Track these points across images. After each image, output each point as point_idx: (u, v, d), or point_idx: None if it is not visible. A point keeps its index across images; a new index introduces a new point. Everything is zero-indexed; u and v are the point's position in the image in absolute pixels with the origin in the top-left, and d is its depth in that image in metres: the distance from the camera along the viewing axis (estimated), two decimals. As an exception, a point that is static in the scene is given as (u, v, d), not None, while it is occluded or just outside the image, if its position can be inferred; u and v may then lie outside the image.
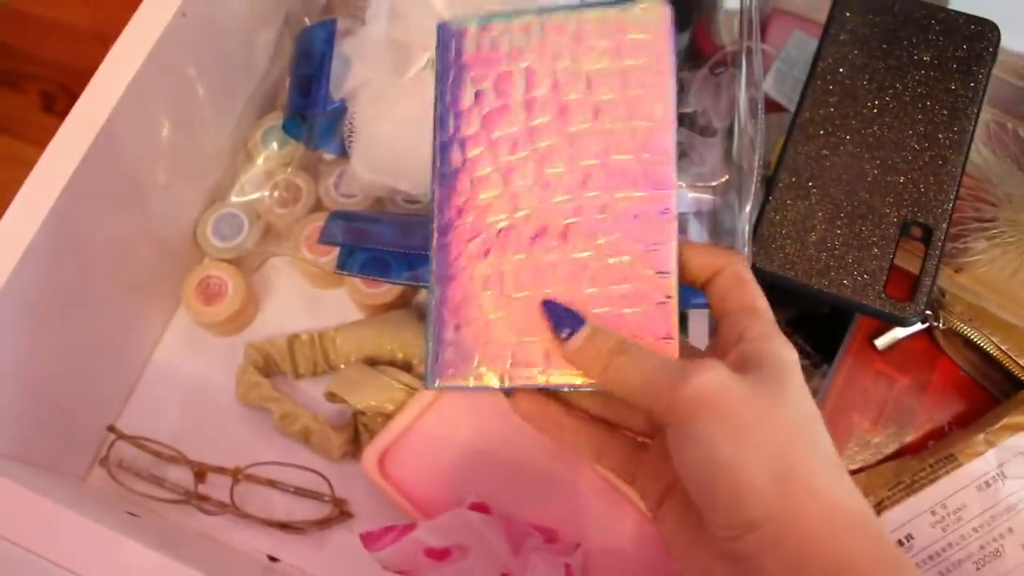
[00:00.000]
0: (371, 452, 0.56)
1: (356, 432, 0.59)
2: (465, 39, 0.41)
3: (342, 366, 0.60)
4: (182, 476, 0.60)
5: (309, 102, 0.60)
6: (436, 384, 0.39)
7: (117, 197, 0.56)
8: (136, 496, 0.59)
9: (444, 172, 0.40)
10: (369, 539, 0.52)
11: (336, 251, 0.60)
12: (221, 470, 0.59)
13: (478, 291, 0.39)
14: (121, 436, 0.60)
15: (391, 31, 0.56)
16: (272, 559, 0.59)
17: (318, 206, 0.64)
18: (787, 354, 0.35)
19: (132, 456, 0.61)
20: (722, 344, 0.36)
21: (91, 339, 0.58)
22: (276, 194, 0.63)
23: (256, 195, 0.63)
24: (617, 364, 0.35)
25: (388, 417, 0.57)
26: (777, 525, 0.32)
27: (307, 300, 0.65)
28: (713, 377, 0.33)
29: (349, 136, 0.57)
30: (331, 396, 0.59)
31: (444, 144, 0.40)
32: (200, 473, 0.59)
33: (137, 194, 0.58)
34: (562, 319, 0.37)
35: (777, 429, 0.33)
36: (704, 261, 0.37)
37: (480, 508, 0.55)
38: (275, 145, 0.65)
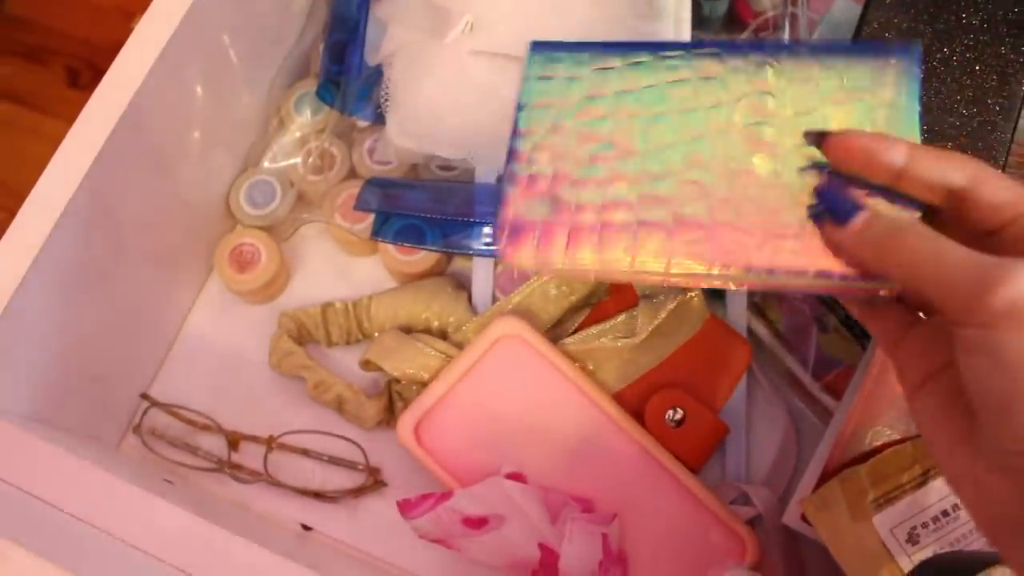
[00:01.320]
0: (406, 420, 0.55)
1: (390, 400, 0.58)
2: None
3: (376, 334, 0.60)
4: (215, 444, 0.60)
5: (343, 68, 0.59)
6: None
7: (148, 167, 0.55)
8: (169, 464, 0.59)
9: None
10: (406, 507, 0.52)
11: (370, 218, 0.59)
12: (254, 439, 0.59)
13: None
14: (155, 404, 0.60)
15: None
16: (305, 527, 0.58)
17: (352, 174, 0.63)
18: None
19: (165, 424, 0.60)
20: None
21: (124, 307, 0.58)
22: (309, 161, 0.62)
23: (289, 162, 0.63)
24: (907, 246, 0.32)
25: (423, 385, 0.56)
26: None
27: (340, 268, 0.64)
28: None
29: (385, 101, 0.57)
30: (366, 364, 0.58)
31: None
32: (233, 441, 0.59)
33: (168, 163, 0.57)
34: (839, 203, 0.35)
35: None
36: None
37: (516, 478, 0.54)
38: (308, 112, 0.64)
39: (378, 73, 0.57)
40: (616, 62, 0.42)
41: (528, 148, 0.41)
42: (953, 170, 0.33)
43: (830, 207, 0.35)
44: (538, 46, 0.43)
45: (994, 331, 0.29)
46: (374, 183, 0.57)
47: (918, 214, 0.35)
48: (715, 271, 0.37)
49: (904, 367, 0.36)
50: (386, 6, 0.57)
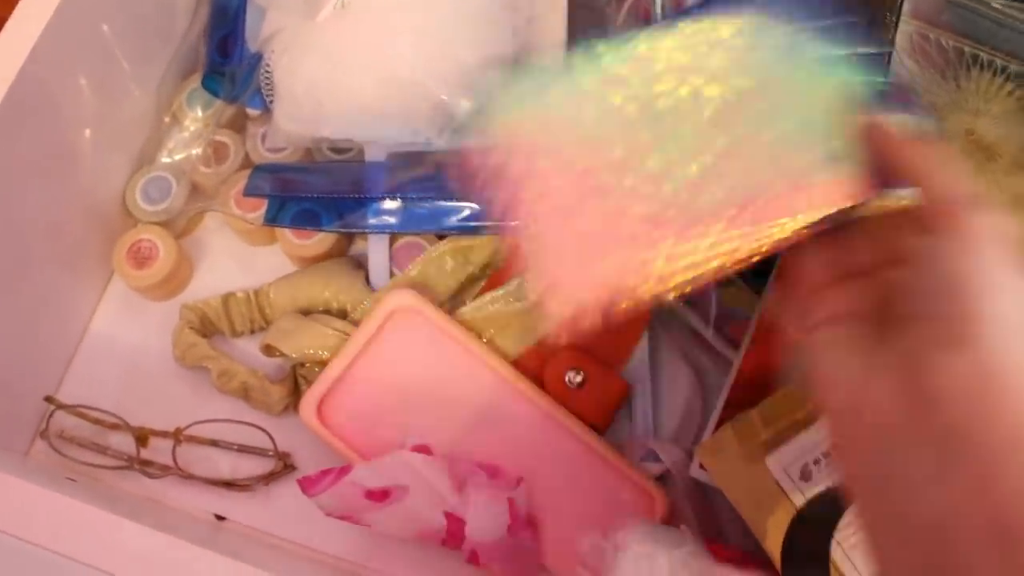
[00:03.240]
0: (308, 400, 0.55)
1: (296, 385, 0.58)
2: None
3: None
4: (125, 443, 0.60)
5: (228, 60, 0.60)
6: None
7: (40, 167, 0.55)
8: (79, 465, 0.59)
9: None
10: (307, 484, 0.52)
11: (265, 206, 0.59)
12: (162, 433, 0.59)
13: None
14: (60, 406, 0.59)
15: None
16: (219, 518, 0.58)
17: (247, 163, 0.63)
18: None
19: (74, 426, 0.60)
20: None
21: (26, 312, 0.58)
22: (203, 154, 0.62)
23: (183, 156, 0.63)
24: (918, 152, 0.36)
25: (325, 365, 0.56)
26: (989, 348, 0.31)
27: (242, 259, 0.64)
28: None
29: (267, 87, 0.57)
30: (267, 349, 0.58)
31: None
32: (141, 438, 0.59)
33: (60, 163, 0.57)
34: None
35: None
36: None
37: (422, 450, 0.54)
38: (200, 107, 0.64)
39: (260, 59, 0.57)
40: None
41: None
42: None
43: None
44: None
45: (968, 235, 0.33)
46: (263, 169, 0.57)
47: None
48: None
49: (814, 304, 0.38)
50: None
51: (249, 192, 0.56)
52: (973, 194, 0.34)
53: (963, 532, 0.30)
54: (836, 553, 0.46)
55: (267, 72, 0.57)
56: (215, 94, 0.61)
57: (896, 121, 0.38)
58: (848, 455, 0.35)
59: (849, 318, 0.36)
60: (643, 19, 0.55)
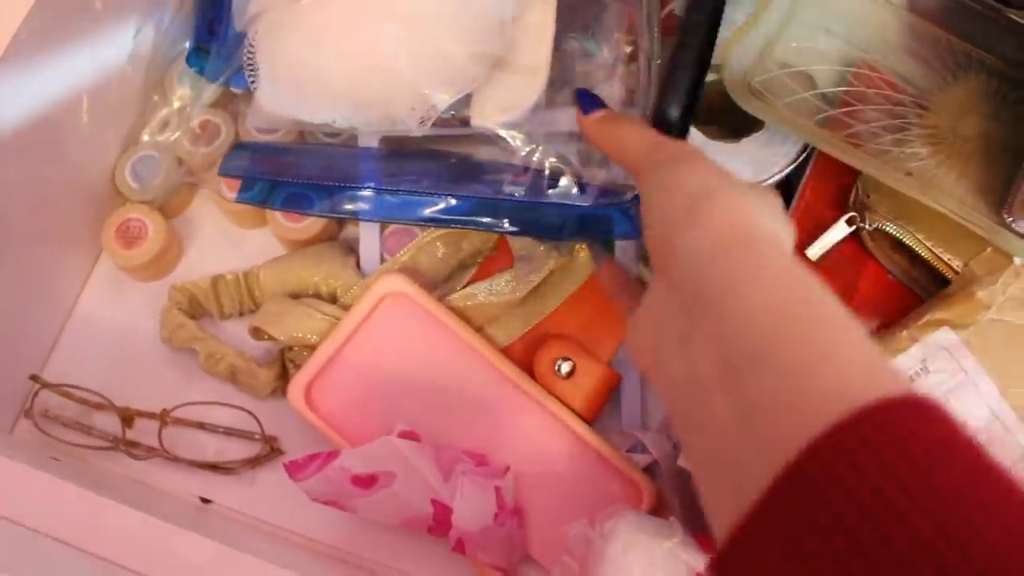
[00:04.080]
0: (296, 384, 0.55)
1: (284, 368, 0.58)
2: None
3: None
4: (110, 423, 0.59)
5: (214, 37, 0.59)
6: None
7: (28, 146, 0.55)
8: (64, 445, 0.58)
9: None
10: (293, 468, 0.52)
11: (255, 187, 0.59)
12: (149, 415, 0.58)
13: None
14: (45, 385, 0.59)
15: None
16: (205, 500, 0.58)
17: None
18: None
19: (59, 405, 0.59)
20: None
21: (12, 290, 0.57)
22: (193, 133, 0.61)
23: (173, 135, 0.62)
24: (619, 129, 0.44)
25: (314, 349, 0.56)
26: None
27: (232, 241, 0.63)
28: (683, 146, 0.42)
29: (250, 67, 0.56)
30: (256, 332, 0.58)
31: None
32: (127, 418, 0.58)
33: (50, 141, 0.56)
34: (590, 102, 0.47)
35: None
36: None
37: (410, 436, 0.54)
38: (190, 85, 0.63)
39: (244, 38, 0.56)
40: None
41: None
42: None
43: (583, 102, 0.47)
44: None
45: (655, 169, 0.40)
46: (244, 147, 0.56)
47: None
48: None
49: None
50: None
51: (224, 172, 0.56)
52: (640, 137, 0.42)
53: (705, 379, 0.33)
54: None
55: (250, 52, 0.55)
56: (200, 71, 0.60)
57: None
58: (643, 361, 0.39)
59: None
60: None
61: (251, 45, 0.54)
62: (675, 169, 0.39)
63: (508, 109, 0.52)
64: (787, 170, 0.55)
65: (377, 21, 0.51)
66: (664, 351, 0.36)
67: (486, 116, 0.52)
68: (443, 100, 0.51)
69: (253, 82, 0.55)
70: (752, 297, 0.32)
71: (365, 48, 0.51)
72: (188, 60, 0.60)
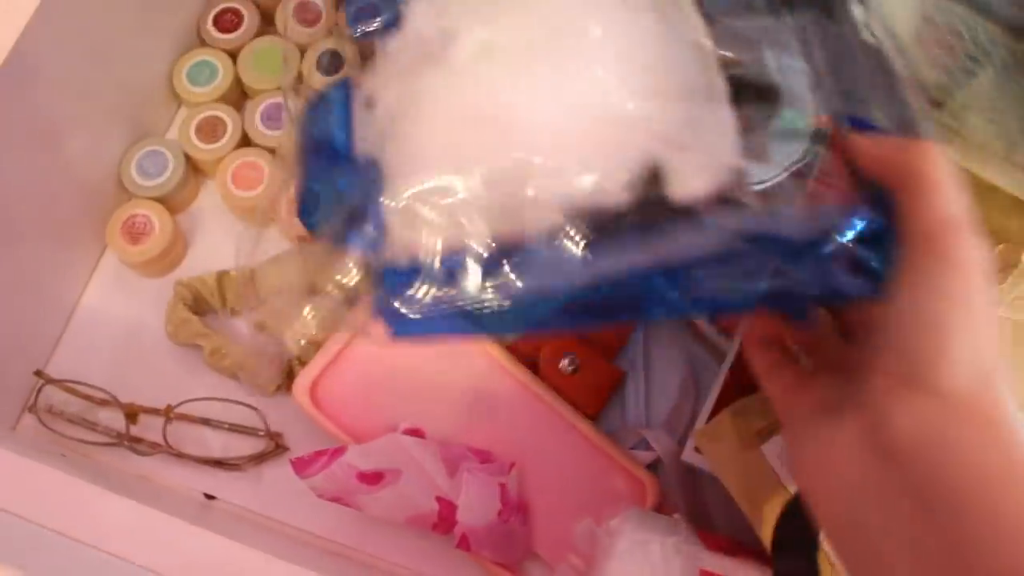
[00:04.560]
0: (302, 381, 0.55)
1: (289, 365, 0.58)
2: None
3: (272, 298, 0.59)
4: (114, 419, 0.59)
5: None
6: None
7: (33, 139, 0.55)
8: (68, 441, 0.58)
9: None
10: (300, 465, 0.52)
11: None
12: (153, 411, 0.58)
13: None
14: (49, 380, 0.59)
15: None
16: (209, 497, 0.58)
17: (244, 141, 0.63)
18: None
19: (63, 401, 0.59)
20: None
21: (16, 285, 0.57)
22: (201, 129, 0.62)
23: (180, 131, 0.62)
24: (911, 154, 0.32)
25: (319, 346, 0.56)
26: (950, 406, 0.29)
27: (238, 238, 0.63)
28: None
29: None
30: (261, 328, 0.58)
31: None
32: (131, 414, 0.58)
33: (54, 135, 0.56)
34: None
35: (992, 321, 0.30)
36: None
37: (415, 433, 0.54)
38: (199, 81, 0.63)
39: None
40: None
41: None
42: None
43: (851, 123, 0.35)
44: None
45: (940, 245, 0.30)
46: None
47: None
48: None
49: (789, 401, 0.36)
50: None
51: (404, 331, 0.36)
52: (968, 217, 0.30)
53: None
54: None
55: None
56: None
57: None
58: (819, 506, 0.33)
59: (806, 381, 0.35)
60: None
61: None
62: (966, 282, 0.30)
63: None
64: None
65: (589, 63, 0.37)
66: (869, 528, 0.31)
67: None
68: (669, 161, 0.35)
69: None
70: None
71: (578, 88, 0.37)
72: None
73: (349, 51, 0.62)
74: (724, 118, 0.35)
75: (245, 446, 0.58)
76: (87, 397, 0.59)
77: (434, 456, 0.53)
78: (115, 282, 0.63)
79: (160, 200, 0.61)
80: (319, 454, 0.52)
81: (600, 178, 0.34)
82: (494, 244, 0.34)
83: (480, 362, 0.55)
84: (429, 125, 0.36)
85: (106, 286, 0.63)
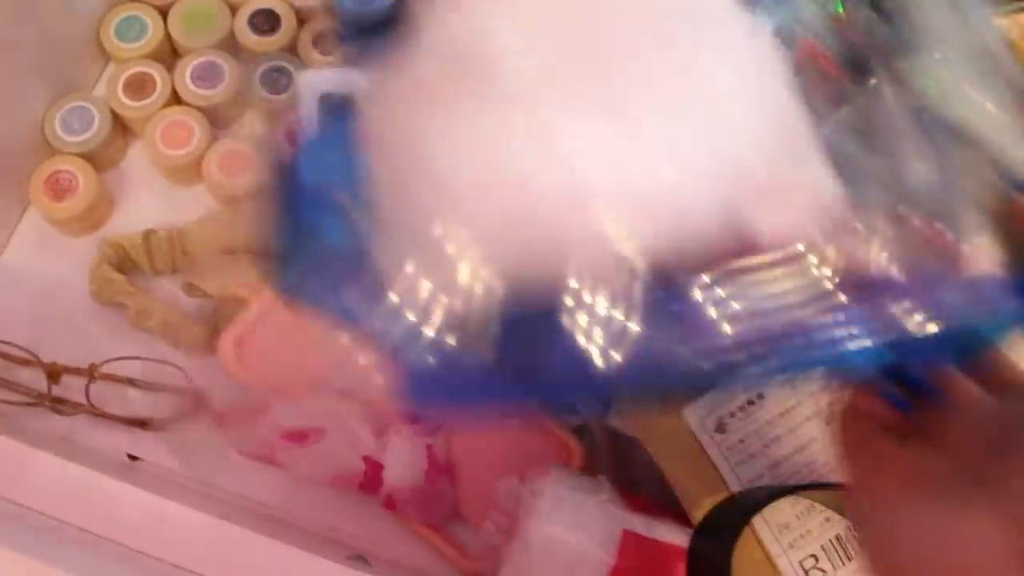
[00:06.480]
0: (227, 340, 0.54)
1: (216, 324, 0.58)
2: None
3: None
4: (36, 379, 0.58)
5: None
6: None
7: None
8: (-14, 400, 0.57)
9: None
10: (224, 422, 0.51)
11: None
12: (76, 371, 0.57)
13: None
14: (-33, 338, 0.58)
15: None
16: (132, 458, 0.57)
17: (174, 98, 0.62)
18: None
19: (-19, 360, 0.58)
20: None
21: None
22: (129, 86, 0.60)
23: (108, 87, 0.61)
24: None
25: (245, 305, 0.55)
26: None
27: (165, 197, 0.63)
28: None
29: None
30: (188, 287, 0.57)
31: None
32: (53, 374, 0.57)
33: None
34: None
35: None
36: None
37: (342, 392, 0.54)
38: (128, 36, 0.62)
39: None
40: None
41: None
42: None
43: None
44: None
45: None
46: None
47: None
48: None
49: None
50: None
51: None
52: None
53: None
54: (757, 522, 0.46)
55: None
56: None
57: None
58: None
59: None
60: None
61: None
62: None
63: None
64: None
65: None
66: None
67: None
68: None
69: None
70: None
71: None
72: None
73: (284, 11, 0.61)
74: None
75: (170, 407, 0.58)
76: (6, 356, 0.58)
77: (361, 416, 0.53)
78: (38, 240, 0.62)
79: (85, 157, 0.60)
80: (244, 412, 0.51)
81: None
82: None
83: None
84: (470, 170, 0.30)
85: (28, 244, 0.62)
